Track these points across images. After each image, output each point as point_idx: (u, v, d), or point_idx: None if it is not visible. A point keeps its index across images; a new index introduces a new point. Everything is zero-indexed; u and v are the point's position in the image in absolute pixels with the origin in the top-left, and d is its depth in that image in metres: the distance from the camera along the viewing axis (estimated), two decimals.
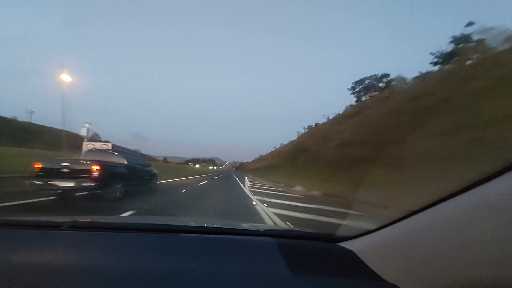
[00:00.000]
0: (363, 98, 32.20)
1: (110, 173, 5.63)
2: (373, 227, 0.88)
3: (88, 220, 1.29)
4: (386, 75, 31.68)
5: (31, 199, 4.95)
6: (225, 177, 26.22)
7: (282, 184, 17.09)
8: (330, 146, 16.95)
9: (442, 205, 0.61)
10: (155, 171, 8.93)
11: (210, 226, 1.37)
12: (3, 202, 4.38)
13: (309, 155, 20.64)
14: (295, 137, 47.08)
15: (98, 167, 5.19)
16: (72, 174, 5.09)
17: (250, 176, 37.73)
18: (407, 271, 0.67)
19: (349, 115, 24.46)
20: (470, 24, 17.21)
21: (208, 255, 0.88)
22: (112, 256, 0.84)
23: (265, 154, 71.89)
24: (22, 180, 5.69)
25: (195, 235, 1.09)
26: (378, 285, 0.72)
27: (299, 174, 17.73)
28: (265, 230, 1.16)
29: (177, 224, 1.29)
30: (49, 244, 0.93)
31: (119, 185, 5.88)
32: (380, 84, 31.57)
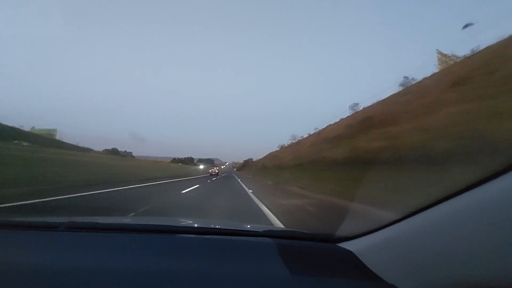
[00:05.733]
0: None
1: (217, 171, 36.93)
2: (372, 227, 0.89)
3: (85, 221, 1.28)
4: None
5: (206, 175, 31.51)
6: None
7: None
8: None
9: (441, 206, 0.61)
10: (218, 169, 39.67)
11: (208, 226, 1.36)
12: (203, 175, 32.34)
13: None
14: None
15: (216, 170, 36.20)
16: (214, 171, 35.67)
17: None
18: (406, 272, 0.67)
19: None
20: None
21: (206, 256, 0.88)
22: (110, 257, 0.85)
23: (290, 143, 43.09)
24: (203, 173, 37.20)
25: (193, 235, 1.09)
26: (377, 286, 0.72)
27: None
28: (264, 231, 1.14)
29: (175, 225, 1.29)
30: (47, 245, 0.94)
31: (217, 174, 35.06)
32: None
